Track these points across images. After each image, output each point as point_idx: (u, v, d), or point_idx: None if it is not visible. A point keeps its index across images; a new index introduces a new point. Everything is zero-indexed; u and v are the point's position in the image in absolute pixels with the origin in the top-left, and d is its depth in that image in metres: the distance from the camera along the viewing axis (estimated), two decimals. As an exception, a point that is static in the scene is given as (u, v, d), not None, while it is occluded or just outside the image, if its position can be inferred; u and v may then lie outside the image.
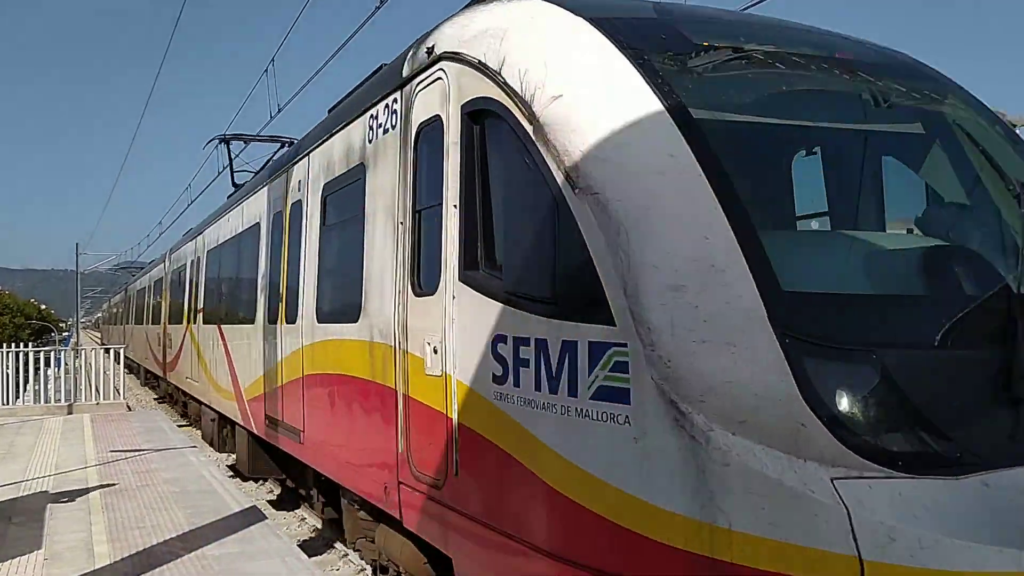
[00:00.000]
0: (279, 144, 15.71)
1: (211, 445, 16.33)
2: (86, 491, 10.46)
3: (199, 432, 20.55)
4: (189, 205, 33.05)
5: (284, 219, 10.12)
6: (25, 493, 10.45)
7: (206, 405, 16.53)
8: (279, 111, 14.95)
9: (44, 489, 10.65)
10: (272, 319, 10.40)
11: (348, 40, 11.70)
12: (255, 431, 11.52)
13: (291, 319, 9.45)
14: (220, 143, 18.20)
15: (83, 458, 13.06)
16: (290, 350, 9.38)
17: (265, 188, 11.58)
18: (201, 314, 17.10)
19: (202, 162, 21.64)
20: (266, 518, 9.08)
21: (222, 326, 14.15)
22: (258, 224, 11.80)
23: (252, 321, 11.53)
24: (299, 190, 9.47)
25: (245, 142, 17.76)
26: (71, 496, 10.16)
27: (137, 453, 13.51)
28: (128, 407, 21.55)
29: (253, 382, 11.48)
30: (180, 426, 19.77)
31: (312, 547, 10.03)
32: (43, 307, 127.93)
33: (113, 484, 10.91)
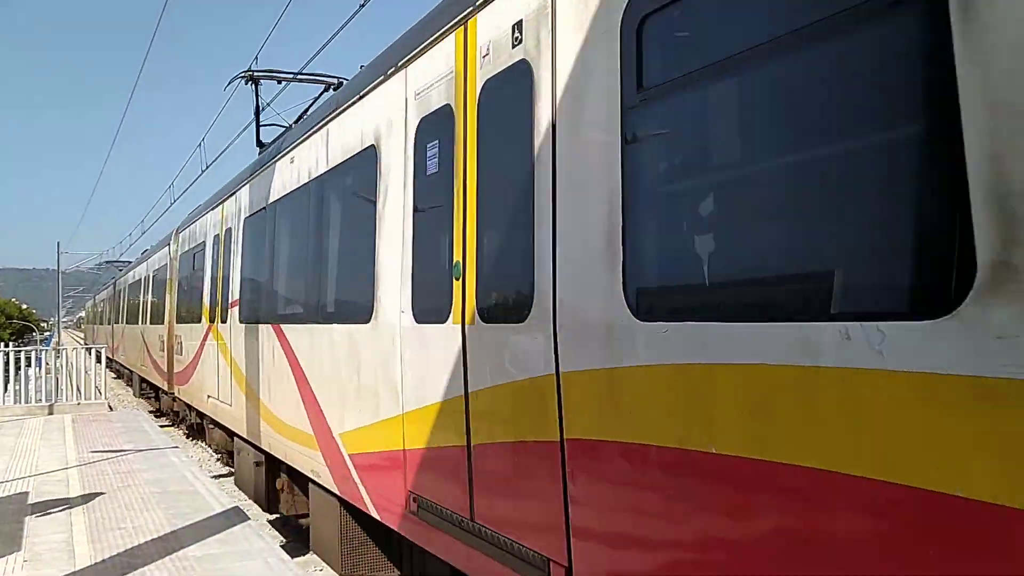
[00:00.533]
0: (323, 87, 12.77)
1: (253, 499, 11.69)
2: (67, 492, 10.39)
3: (181, 432, 20.44)
4: (172, 204, 32.85)
5: (459, 120, 5.41)
6: (5, 494, 10.37)
7: (244, 440, 11.79)
8: (261, 110, 14.83)
9: (24, 490, 10.56)
10: (431, 313, 5.68)
11: (331, 38, 11.66)
12: (369, 509, 6.95)
13: (499, 314, 4.89)
14: (247, 82, 14.39)
15: (64, 459, 12.96)
16: (499, 378, 4.81)
17: (390, 82, 6.58)
18: (236, 309, 11.94)
19: (188, 156, 21.13)
20: (248, 519, 9.04)
21: (283, 327, 9.28)
22: (372, 148, 6.87)
23: (365, 318, 6.70)
24: (545, 26, 4.51)
25: (279, 81, 14.05)
26: (52, 497, 10.09)
27: (118, 454, 13.42)
28: (110, 407, 21.43)
29: (369, 426, 6.84)
30: (162, 426, 19.64)
31: (295, 548, 9.99)
32: (24, 307, 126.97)
33: (94, 485, 10.83)
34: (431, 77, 5.91)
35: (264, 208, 10.69)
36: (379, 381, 6.61)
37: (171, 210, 33.33)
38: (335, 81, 12.27)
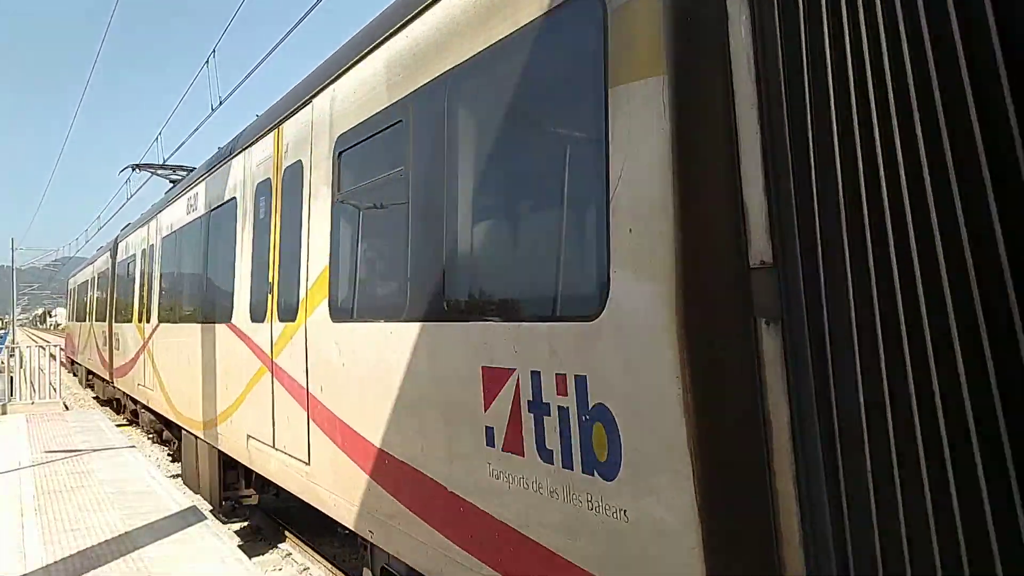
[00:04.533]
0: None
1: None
2: (19, 493, 10.19)
3: (140, 432, 20.17)
4: (128, 200, 32.24)
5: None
6: (-46, 496, 10.15)
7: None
8: (220, 104, 14.66)
9: (-26, 492, 10.35)
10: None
11: (290, 32, 11.53)
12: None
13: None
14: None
15: (17, 459, 12.70)
16: None
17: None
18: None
19: (145, 149, 20.85)
20: (206, 518, 8.94)
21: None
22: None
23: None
24: None
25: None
26: (3, 499, 9.88)
27: (74, 453, 13.19)
28: (65, 406, 21.11)
29: None
30: (119, 425, 19.35)
31: (253, 548, 9.91)
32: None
33: (48, 486, 10.63)
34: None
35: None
36: None
37: (127, 206, 32.74)
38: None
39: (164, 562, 7.29)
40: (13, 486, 10.64)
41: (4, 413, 19.34)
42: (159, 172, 17.49)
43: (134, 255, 17.10)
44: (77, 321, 33.45)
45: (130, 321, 17.08)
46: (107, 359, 21.36)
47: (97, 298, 24.94)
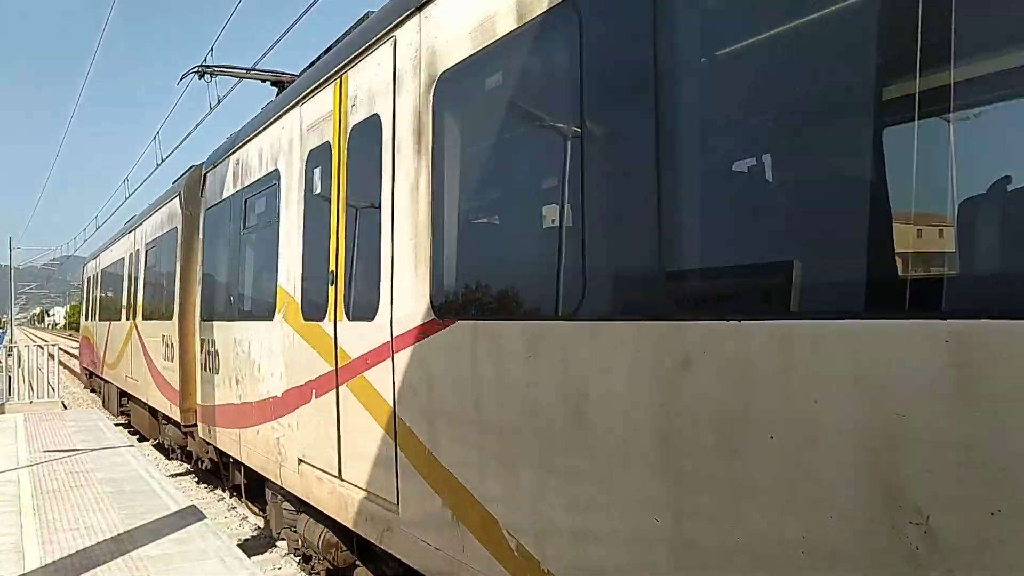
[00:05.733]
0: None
1: None
2: (17, 492, 10.17)
3: (136, 432, 20.15)
4: (126, 199, 32.20)
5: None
6: (-48, 496, 10.12)
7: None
8: (219, 102, 14.61)
9: (-27, 491, 10.33)
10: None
11: (287, 31, 11.50)
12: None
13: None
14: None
15: (15, 459, 12.69)
16: None
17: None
18: None
19: (143, 148, 20.33)
20: (205, 517, 8.93)
21: None
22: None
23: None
24: None
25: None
26: (1, 498, 9.87)
27: (72, 453, 13.18)
28: (64, 405, 21.10)
29: None
30: (116, 424, 19.34)
31: (252, 546, 9.90)
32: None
33: (46, 485, 10.62)
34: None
35: None
36: None
37: (127, 204, 32.65)
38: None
39: (164, 561, 7.28)
40: (11, 485, 10.63)
41: (2, 412, 19.33)
42: (243, 75, 11.89)
43: (282, 175, 8.12)
44: (103, 321, 22.65)
45: (267, 318, 8.36)
46: (175, 385, 13.14)
47: (147, 282, 16.58)
